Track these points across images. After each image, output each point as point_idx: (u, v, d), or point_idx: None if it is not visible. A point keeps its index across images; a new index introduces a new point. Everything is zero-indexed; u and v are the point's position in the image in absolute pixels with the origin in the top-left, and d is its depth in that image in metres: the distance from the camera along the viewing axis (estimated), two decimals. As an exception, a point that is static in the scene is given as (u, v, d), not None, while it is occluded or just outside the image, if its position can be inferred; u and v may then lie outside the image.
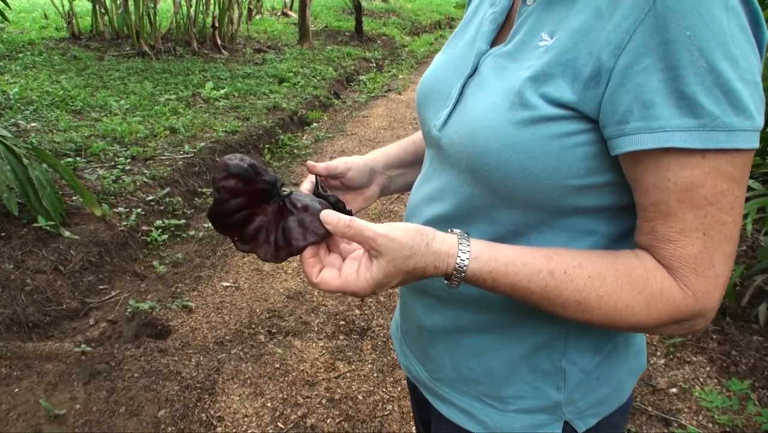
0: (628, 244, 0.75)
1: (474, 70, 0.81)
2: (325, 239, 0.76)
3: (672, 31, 0.62)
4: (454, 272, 0.71)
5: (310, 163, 0.96)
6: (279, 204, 0.77)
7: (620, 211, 0.75)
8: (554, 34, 0.71)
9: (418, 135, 1.08)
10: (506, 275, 0.71)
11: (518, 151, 0.71)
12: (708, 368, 2.60)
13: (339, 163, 1.00)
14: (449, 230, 0.74)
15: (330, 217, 0.72)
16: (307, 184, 0.95)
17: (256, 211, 0.77)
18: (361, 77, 8.78)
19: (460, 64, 0.85)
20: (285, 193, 0.78)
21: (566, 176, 0.71)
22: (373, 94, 7.84)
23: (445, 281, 0.74)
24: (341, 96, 7.76)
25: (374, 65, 9.83)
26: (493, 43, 0.83)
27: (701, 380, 2.55)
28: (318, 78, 7.89)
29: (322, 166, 0.97)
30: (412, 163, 1.09)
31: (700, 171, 0.64)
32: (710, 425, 2.30)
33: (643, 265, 0.70)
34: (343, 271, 0.74)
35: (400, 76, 9.03)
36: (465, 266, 0.71)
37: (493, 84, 0.76)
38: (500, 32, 0.83)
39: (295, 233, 0.74)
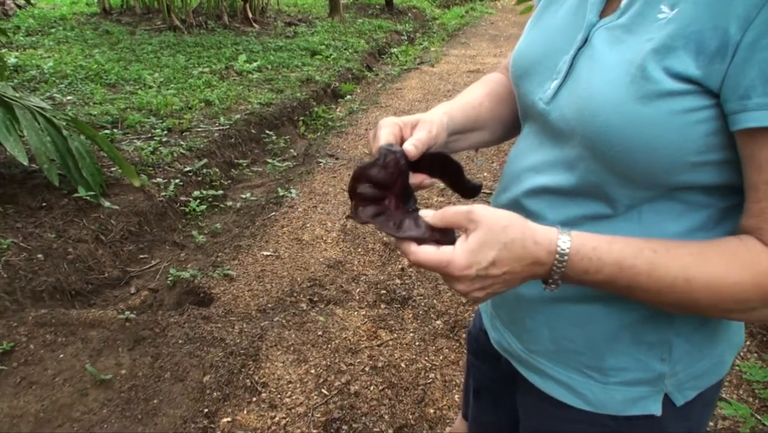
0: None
1: (584, 42, 0.79)
2: (428, 242, 0.75)
3: None
4: (558, 249, 0.69)
5: (413, 152, 0.81)
6: (408, 209, 0.80)
7: (736, 189, 0.73)
8: (675, 6, 0.69)
9: (479, 98, 1.01)
10: (611, 252, 0.69)
11: (641, 127, 0.69)
12: (748, 342, 2.52)
13: (429, 136, 0.85)
14: None
15: (429, 211, 0.75)
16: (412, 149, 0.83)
17: (388, 196, 0.79)
18: (393, 50, 8.66)
19: (565, 36, 0.82)
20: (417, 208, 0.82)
21: (687, 153, 0.69)
22: (405, 67, 7.72)
23: (544, 285, 0.73)
24: (373, 69, 7.66)
25: (405, 38, 9.70)
26: (600, 14, 0.80)
27: (741, 354, 2.47)
28: (350, 51, 7.81)
29: (419, 146, 0.82)
30: (471, 130, 1.00)
31: None
32: (750, 399, 2.22)
33: (747, 245, 0.68)
34: (440, 249, 0.72)
35: (432, 49, 8.88)
36: (568, 241, 0.69)
37: (608, 57, 0.74)
38: (606, 3, 0.81)
39: (408, 224, 0.77)
